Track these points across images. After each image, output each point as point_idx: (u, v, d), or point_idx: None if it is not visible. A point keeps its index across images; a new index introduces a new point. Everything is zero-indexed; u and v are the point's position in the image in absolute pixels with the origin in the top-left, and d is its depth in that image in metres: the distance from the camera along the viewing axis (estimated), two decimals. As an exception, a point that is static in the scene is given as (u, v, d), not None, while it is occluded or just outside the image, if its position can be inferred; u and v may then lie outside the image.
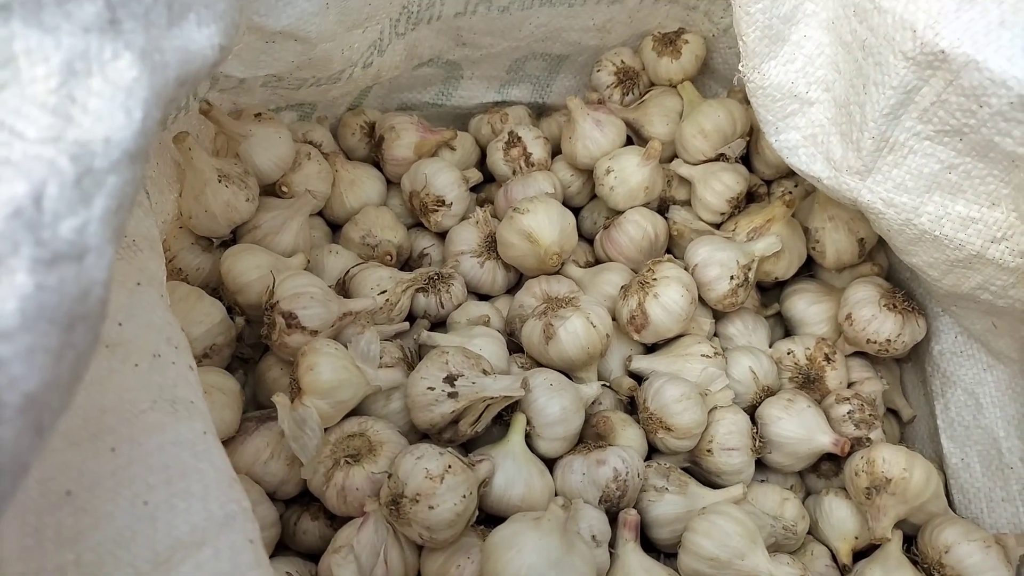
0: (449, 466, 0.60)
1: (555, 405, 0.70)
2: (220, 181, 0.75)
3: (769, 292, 0.94)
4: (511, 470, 0.67)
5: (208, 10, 0.43)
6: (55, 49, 0.33)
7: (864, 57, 0.62)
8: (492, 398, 0.68)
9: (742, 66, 0.70)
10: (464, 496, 0.60)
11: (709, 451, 0.75)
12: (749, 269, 0.82)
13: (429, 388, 0.67)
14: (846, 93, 0.66)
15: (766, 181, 0.95)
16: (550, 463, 0.72)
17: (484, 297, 0.91)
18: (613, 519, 0.68)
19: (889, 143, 0.63)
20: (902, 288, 0.84)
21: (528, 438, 0.71)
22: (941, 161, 0.62)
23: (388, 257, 0.88)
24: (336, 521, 0.69)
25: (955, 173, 0.62)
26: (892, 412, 0.89)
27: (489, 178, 1.01)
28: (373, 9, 0.76)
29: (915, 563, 0.72)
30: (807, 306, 0.88)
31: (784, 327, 0.92)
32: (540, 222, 0.83)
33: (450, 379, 0.67)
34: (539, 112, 1.06)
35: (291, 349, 0.69)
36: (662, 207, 0.93)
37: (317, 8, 0.69)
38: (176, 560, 0.37)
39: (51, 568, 0.33)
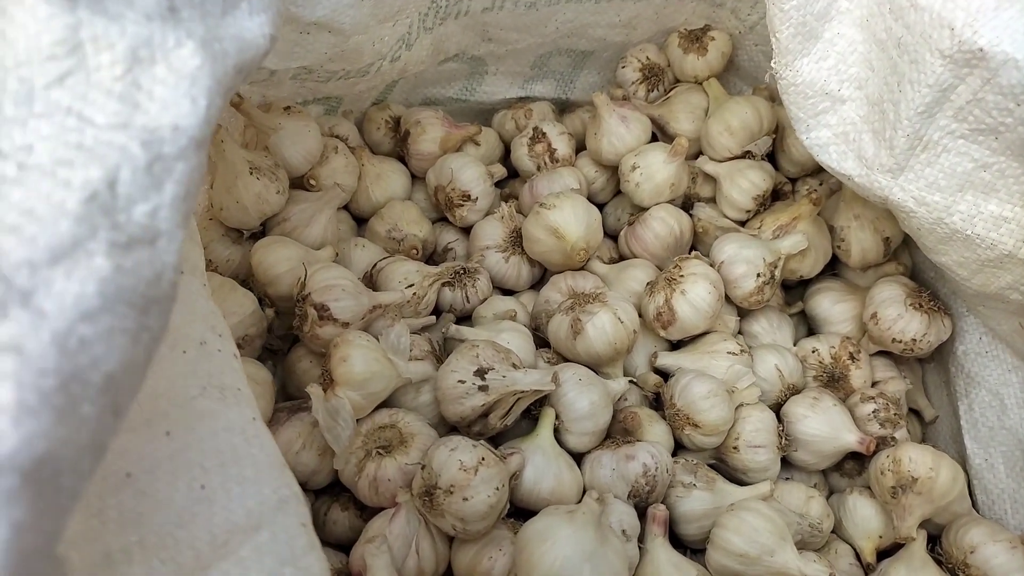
0: (483, 458, 0.61)
1: (584, 400, 0.71)
2: (251, 173, 0.75)
3: (792, 290, 0.94)
4: (541, 464, 0.68)
5: (259, -1, 0.44)
6: (120, 36, 0.34)
7: (899, 55, 0.62)
8: (523, 392, 0.68)
9: (774, 63, 0.70)
10: (497, 488, 0.60)
11: (735, 448, 0.75)
12: (775, 267, 0.82)
13: (460, 381, 0.68)
14: (879, 91, 0.66)
15: (791, 179, 0.95)
16: (577, 458, 0.72)
17: (508, 292, 0.91)
18: (641, 514, 0.68)
19: (923, 141, 0.63)
20: (927, 288, 0.84)
21: (556, 432, 0.71)
22: (975, 160, 0.62)
23: (414, 251, 0.88)
24: (366, 512, 0.69)
25: (989, 172, 0.62)
26: (914, 412, 0.89)
27: (512, 174, 1.01)
28: (404, 2, 0.76)
29: (939, 563, 0.72)
30: (831, 305, 0.88)
31: (807, 325, 0.92)
32: (567, 218, 0.83)
33: (481, 372, 0.68)
34: (562, 108, 1.06)
35: (323, 341, 0.70)
36: (686, 204, 0.94)
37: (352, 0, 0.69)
38: (235, 544, 0.38)
39: (117, 549, 0.34)
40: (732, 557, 0.65)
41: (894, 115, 0.64)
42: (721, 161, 0.91)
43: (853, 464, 0.82)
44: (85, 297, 0.26)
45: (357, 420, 0.67)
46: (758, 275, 0.81)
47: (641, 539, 0.67)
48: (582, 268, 0.88)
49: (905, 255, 0.90)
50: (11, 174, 0.30)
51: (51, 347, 0.25)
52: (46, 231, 0.27)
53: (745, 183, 0.88)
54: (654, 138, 0.95)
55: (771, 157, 0.95)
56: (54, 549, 0.26)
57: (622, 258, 0.93)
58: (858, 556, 0.76)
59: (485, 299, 0.86)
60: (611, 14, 0.93)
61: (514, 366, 0.70)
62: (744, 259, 0.81)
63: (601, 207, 0.97)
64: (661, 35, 0.99)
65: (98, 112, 0.32)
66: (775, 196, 0.93)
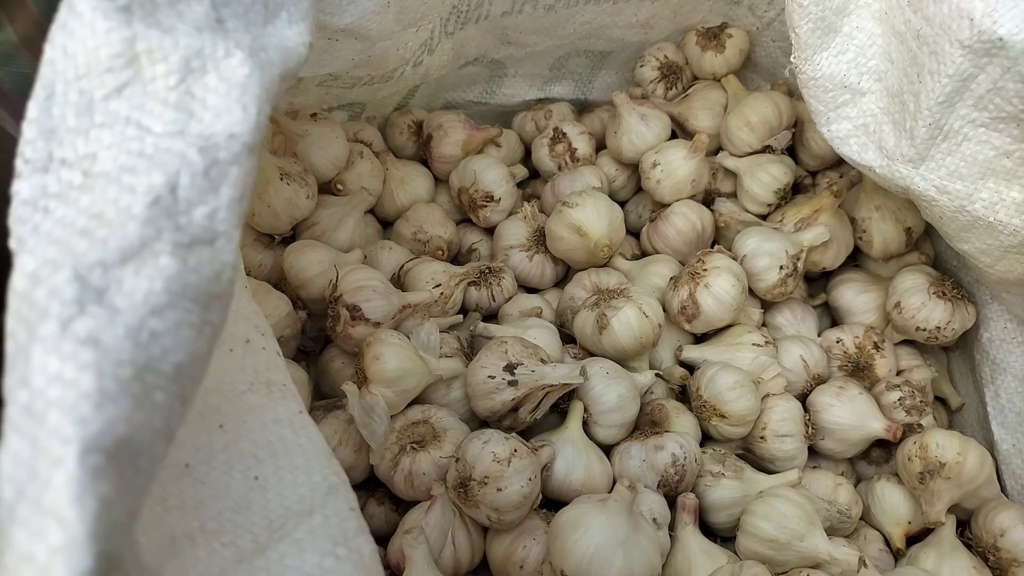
0: (515, 450, 0.62)
1: (612, 393, 0.72)
2: (282, 179, 0.77)
3: (815, 282, 0.95)
4: (571, 456, 0.69)
5: (296, 8, 0.45)
6: (173, 48, 0.36)
7: (919, 46, 0.63)
8: (552, 386, 0.70)
9: (794, 58, 0.71)
10: (530, 479, 0.62)
11: (762, 438, 0.76)
12: (798, 259, 0.83)
13: (490, 377, 0.69)
14: (899, 82, 0.66)
15: (811, 172, 0.96)
16: (606, 450, 0.73)
17: (532, 290, 0.92)
18: (671, 504, 0.70)
19: (943, 131, 0.64)
20: (950, 276, 0.85)
21: (585, 425, 0.73)
22: (996, 147, 0.62)
23: (439, 252, 0.90)
24: (401, 506, 0.71)
25: (1011, 159, 0.62)
26: (940, 400, 0.89)
27: (533, 174, 1.02)
28: (428, 8, 0.78)
29: (969, 547, 0.73)
30: (855, 295, 0.88)
31: (831, 317, 0.93)
32: (589, 215, 0.84)
33: (510, 368, 0.69)
34: (581, 108, 1.08)
35: (355, 341, 0.71)
36: (707, 199, 0.95)
37: (379, 7, 0.71)
38: (290, 527, 0.40)
39: (181, 534, 0.36)
40: (762, 543, 0.66)
41: (914, 105, 0.64)
42: (741, 156, 0.92)
43: (880, 452, 0.82)
44: (154, 294, 0.28)
45: (391, 417, 0.69)
46: (781, 267, 0.82)
47: (672, 528, 0.68)
48: (605, 265, 0.89)
49: (927, 244, 0.91)
50: (77, 181, 0.32)
51: (126, 340, 0.27)
52: (115, 233, 0.29)
53: (766, 177, 0.88)
54: (673, 135, 0.96)
55: (791, 151, 0.95)
56: (134, 525, 0.28)
57: (644, 254, 0.94)
58: (887, 542, 0.77)
59: (510, 297, 0.87)
60: (629, 14, 0.94)
61: (542, 361, 0.71)
62: (767, 252, 0.82)
63: (622, 204, 0.98)
64: (678, 34, 1.00)
65: (155, 121, 0.34)
66: (795, 189, 0.94)
